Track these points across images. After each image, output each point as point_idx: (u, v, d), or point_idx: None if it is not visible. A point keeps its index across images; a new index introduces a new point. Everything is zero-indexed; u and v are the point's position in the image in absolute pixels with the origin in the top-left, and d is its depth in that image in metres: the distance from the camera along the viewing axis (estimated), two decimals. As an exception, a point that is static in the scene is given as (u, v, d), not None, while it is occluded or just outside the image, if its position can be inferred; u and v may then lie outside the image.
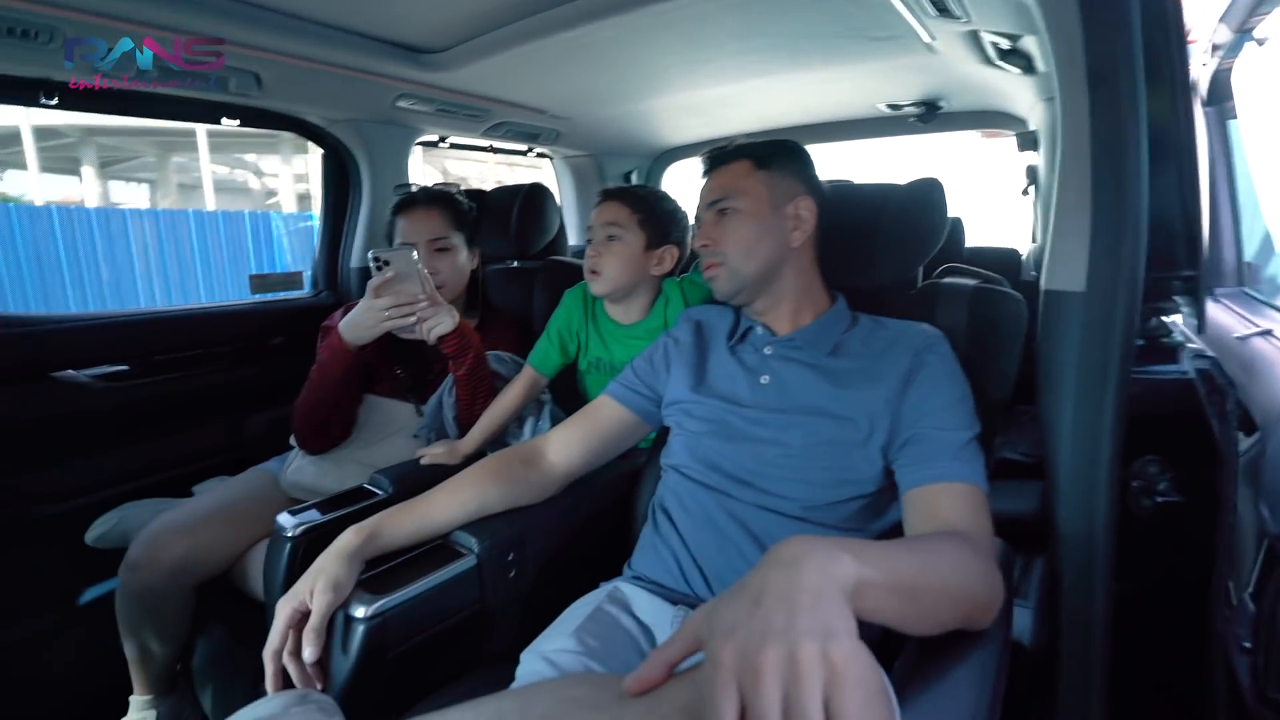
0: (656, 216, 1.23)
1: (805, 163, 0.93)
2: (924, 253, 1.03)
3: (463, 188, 1.48)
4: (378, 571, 0.82)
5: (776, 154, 0.91)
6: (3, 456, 1.21)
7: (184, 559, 1.08)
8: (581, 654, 0.74)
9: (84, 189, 10.58)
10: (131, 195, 12.65)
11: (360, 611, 0.75)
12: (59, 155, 10.61)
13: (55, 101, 1.21)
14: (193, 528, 1.10)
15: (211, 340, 1.56)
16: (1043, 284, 0.79)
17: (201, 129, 9.86)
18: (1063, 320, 0.74)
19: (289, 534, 0.94)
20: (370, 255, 1.06)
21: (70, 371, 1.31)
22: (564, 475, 0.99)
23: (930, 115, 1.82)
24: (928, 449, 0.75)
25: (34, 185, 10.01)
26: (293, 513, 0.98)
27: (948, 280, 1.03)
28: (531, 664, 0.74)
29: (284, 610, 0.75)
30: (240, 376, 1.59)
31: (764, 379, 0.88)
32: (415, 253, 1.06)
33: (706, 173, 0.96)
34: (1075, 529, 0.74)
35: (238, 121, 1.46)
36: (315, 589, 0.74)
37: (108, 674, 1.17)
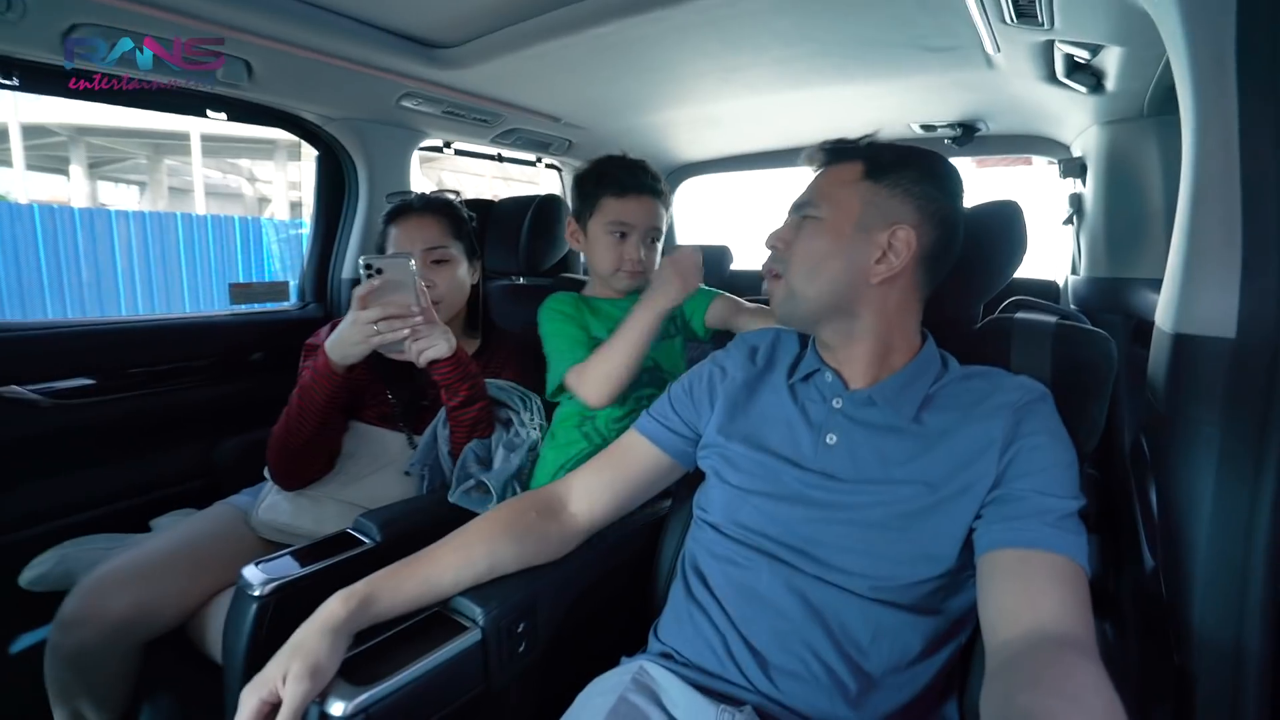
0: None
1: (936, 184, 0.73)
2: (993, 286, 0.92)
3: (463, 196, 1.34)
4: (360, 651, 0.67)
5: (899, 166, 0.73)
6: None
7: (130, 614, 0.92)
8: (608, 765, 0.59)
9: (72, 189, 10.37)
10: (121, 197, 12.45)
11: (338, 708, 0.60)
12: (47, 154, 10.42)
13: (15, 82, 1.08)
14: (142, 576, 0.94)
15: (183, 354, 1.41)
16: (1167, 326, 0.67)
17: (195, 132, 9.73)
18: (1199, 371, 0.62)
19: (256, 592, 0.79)
20: (361, 261, 0.93)
21: (15, 387, 1.16)
22: (587, 527, 0.85)
23: (966, 138, 1.72)
24: (1022, 508, 0.63)
25: (19, 183, 9.79)
26: (261, 564, 0.83)
27: (1023, 315, 0.91)
28: (548, 777, 0.60)
29: (249, 702, 0.60)
30: (213, 396, 1.43)
31: (830, 438, 0.74)
32: (412, 262, 0.93)
33: (819, 165, 0.80)
34: (1217, 630, 0.61)
35: (224, 115, 1.33)
36: (290, 674, 0.60)
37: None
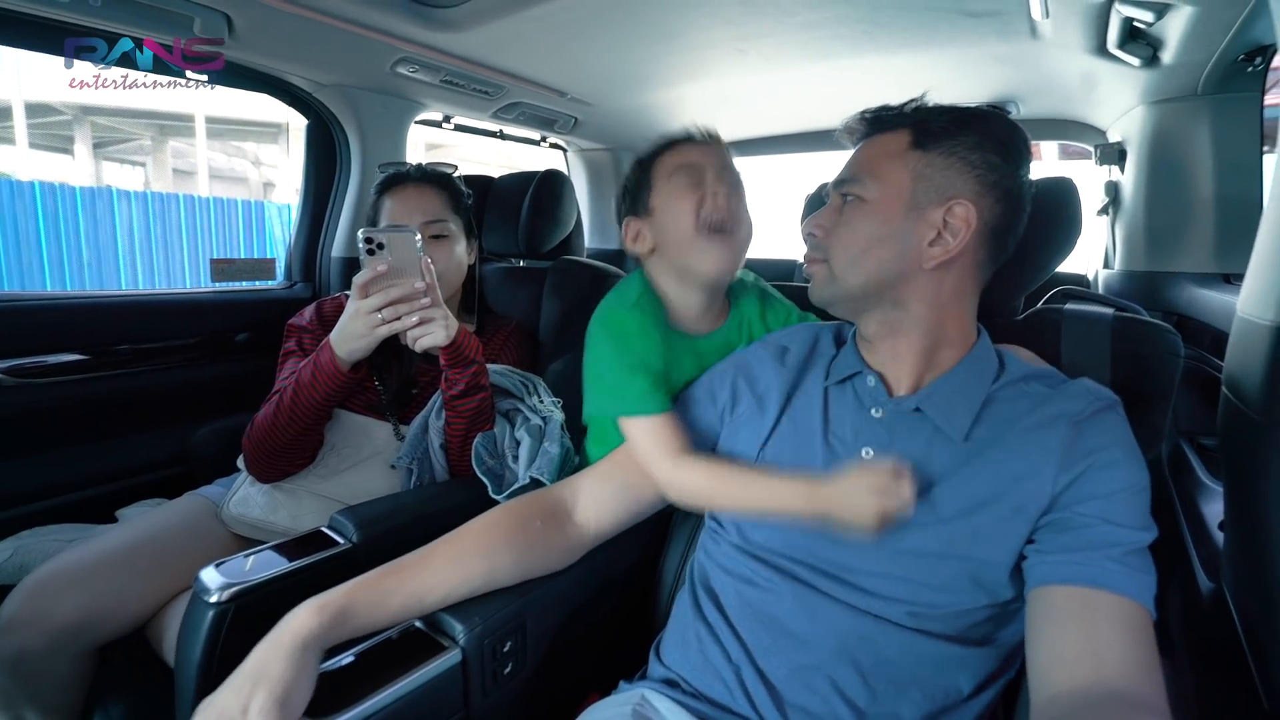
0: None
1: (998, 150, 0.61)
2: (1040, 274, 0.82)
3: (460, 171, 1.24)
4: (323, 670, 0.58)
5: (954, 131, 0.61)
6: None
7: (78, 616, 0.83)
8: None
9: (76, 169, 10.31)
10: (125, 178, 12.37)
11: (290, 744, 0.51)
12: (51, 133, 10.34)
13: None
14: (94, 575, 0.86)
15: (159, 334, 1.32)
16: (1264, 316, 0.58)
17: (200, 114, 9.65)
18: None
19: (213, 598, 0.71)
20: (360, 235, 0.82)
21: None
22: (594, 538, 0.77)
23: (996, 122, 1.63)
24: (1085, 538, 0.54)
25: (22, 161, 9.72)
26: (221, 566, 0.74)
27: (1074, 306, 0.82)
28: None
29: None
30: (191, 379, 1.35)
31: (866, 453, 0.65)
32: (417, 236, 0.84)
33: (860, 138, 0.69)
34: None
35: (205, 77, 1.24)
36: (253, 708, 0.51)
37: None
